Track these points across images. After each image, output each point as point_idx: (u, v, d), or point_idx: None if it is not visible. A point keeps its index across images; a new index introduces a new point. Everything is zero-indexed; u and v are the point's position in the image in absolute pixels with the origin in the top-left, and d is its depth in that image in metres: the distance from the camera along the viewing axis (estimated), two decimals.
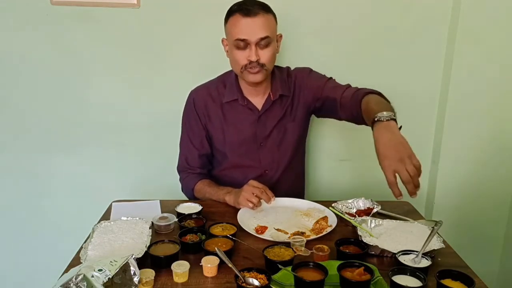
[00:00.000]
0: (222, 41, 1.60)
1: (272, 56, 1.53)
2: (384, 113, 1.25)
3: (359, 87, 1.58)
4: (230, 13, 1.51)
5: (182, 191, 1.75)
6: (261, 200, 1.50)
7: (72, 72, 1.93)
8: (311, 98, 1.65)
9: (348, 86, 1.62)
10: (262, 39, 1.47)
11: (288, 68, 1.72)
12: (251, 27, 1.46)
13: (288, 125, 1.67)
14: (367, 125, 1.37)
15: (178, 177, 1.75)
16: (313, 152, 2.02)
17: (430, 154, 2.08)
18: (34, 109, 1.96)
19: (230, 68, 1.70)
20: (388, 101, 1.43)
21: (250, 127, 1.65)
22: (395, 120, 1.25)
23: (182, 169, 1.73)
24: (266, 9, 1.50)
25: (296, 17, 1.86)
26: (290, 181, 1.74)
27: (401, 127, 1.25)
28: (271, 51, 1.51)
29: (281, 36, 1.60)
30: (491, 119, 1.98)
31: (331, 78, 1.67)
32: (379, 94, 1.48)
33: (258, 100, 1.64)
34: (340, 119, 1.63)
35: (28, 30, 1.87)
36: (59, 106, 1.96)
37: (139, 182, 2.05)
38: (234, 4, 1.52)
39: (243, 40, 1.47)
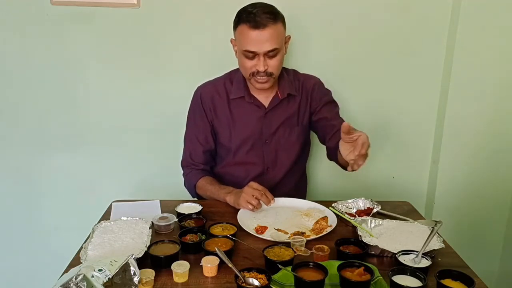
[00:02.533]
0: (231, 41, 1.61)
1: (279, 64, 1.56)
2: None
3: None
4: (239, 20, 1.51)
5: (185, 185, 1.75)
6: (261, 201, 1.50)
7: (72, 72, 1.93)
8: (314, 109, 1.69)
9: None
10: (270, 51, 1.49)
11: (294, 70, 1.74)
12: (259, 40, 1.47)
13: (295, 128, 1.69)
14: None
15: (179, 176, 1.75)
16: (314, 152, 2.02)
17: (430, 154, 2.08)
18: (33, 109, 1.96)
19: (234, 67, 1.71)
20: None
21: (257, 123, 1.66)
22: None
23: (185, 164, 1.73)
24: (275, 17, 1.48)
25: (298, 20, 1.87)
26: (292, 184, 1.75)
27: None
28: (279, 60, 1.54)
29: (289, 37, 1.59)
30: (491, 119, 1.98)
31: (334, 101, 1.73)
32: None
33: (264, 98, 1.66)
34: (323, 143, 1.70)
35: (28, 30, 1.87)
36: (58, 106, 1.96)
37: (139, 182, 2.05)
38: (243, 11, 1.50)
39: (251, 52, 1.49)
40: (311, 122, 1.72)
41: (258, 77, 1.54)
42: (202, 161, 1.71)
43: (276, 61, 1.52)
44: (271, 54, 1.50)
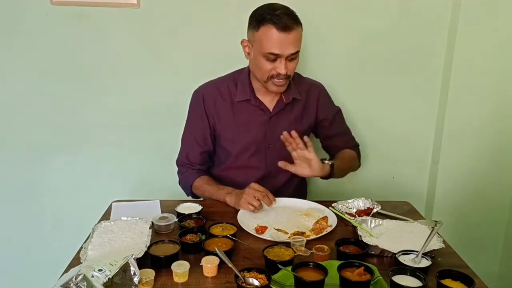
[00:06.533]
0: (242, 41, 1.55)
1: (296, 67, 1.55)
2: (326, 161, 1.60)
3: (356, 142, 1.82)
4: (262, 21, 1.45)
5: (179, 184, 1.73)
6: (262, 203, 1.50)
7: (71, 72, 1.92)
8: (321, 120, 1.73)
9: (351, 138, 1.82)
10: (292, 54, 1.47)
11: (297, 74, 1.72)
12: (285, 43, 1.44)
13: (299, 133, 1.65)
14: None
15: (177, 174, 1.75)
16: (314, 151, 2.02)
17: (430, 154, 2.08)
18: (33, 109, 1.96)
19: (232, 68, 1.70)
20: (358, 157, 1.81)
21: (261, 127, 1.65)
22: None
23: (181, 163, 1.72)
24: (296, 20, 1.47)
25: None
26: (292, 188, 1.74)
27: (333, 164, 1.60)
28: (297, 62, 1.54)
29: None
30: (491, 119, 1.98)
31: (339, 110, 1.78)
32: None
33: (269, 101, 1.64)
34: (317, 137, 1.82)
35: (28, 30, 1.87)
36: (58, 106, 1.96)
37: (139, 182, 2.05)
38: (266, 12, 1.45)
39: (275, 54, 1.46)
40: (315, 127, 1.74)
41: (277, 80, 1.51)
42: (199, 161, 1.70)
43: (294, 64, 1.52)
44: (292, 57, 1.49)
